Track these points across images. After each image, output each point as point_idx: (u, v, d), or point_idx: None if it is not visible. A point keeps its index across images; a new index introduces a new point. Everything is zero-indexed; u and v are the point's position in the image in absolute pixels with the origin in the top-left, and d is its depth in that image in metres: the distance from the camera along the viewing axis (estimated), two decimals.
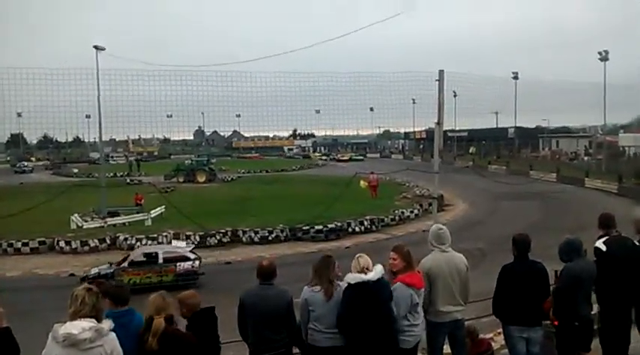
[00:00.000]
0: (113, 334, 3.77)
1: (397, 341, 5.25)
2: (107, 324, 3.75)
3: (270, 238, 24.28)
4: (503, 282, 5.71)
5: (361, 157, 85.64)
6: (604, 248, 6.15)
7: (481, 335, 6.90)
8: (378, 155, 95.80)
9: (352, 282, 5.01)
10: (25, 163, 76.73)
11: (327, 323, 5.17)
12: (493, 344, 7.14)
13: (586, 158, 57.91)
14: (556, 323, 6.02)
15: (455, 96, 64.98)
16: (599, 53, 52.30)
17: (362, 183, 33.92)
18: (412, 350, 5.43)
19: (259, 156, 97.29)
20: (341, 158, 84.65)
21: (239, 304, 5.28)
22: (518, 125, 75.27)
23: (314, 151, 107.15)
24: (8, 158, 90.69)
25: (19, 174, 65.92)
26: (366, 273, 5.05)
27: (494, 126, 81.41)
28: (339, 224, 25.14)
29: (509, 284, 5.64)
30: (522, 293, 5.58)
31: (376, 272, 5.09)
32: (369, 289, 5.01)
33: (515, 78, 68.64)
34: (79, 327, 3.60)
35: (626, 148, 52.50)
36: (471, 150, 77.62)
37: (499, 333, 6.93)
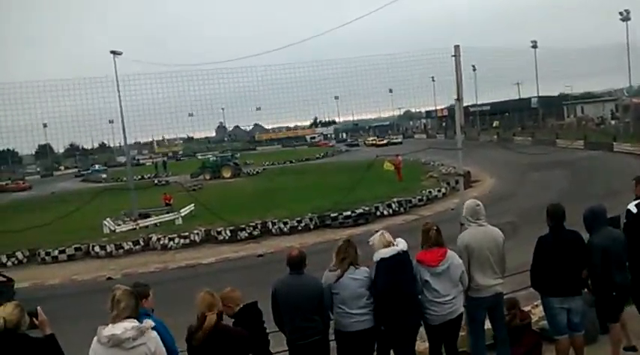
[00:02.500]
0: (155, 332, 3.83)
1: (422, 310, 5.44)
2: (148, 323, 3.82)
3: (299, 228, 24.34)
4: (540, 254, 5.63)
5: (400, 140, 77.71)
6: (635, 210, 6.07)
7: None
8: (400, 136, 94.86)
9: (387, 256, 5.20)
10: (96, 166, 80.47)
11: (353, 305, 5.27)
12: (532, 316, 7.08)
13: (613, 122, 56.81)
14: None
15: (474, 70, 64.23)
16: (620, 13, 51.13)
17: (386, 165, 33.79)
18: (438, 328, 5.48)
19: (326, 143, 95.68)
20: (379, 143, 77.34)
21: (271, 294, 5.34)
22: (540, 94, 74.02)
23: (335, 138, 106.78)
24: (38, 169, 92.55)
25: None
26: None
27: (517, 97, 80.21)
28: (366, 208, 25.08)
29: (547, 256, 5.56)
30: (560, 263, 5.49)
31: (403, 243, 5.35)
32: (401, 259, 5.25)
33: (535, 47, 67.45)
34: (122, 327, 3.68)
35: None
36: (494, 124, 76.68)
37: (536, 305, 6.88)
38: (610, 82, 79.30)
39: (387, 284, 5.21)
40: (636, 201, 6.26)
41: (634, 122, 48.29)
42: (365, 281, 5.29)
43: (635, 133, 44.13)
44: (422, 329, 5.74)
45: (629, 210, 6.25)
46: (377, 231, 5.65)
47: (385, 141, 77.34)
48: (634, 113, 50.51)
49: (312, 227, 24.46)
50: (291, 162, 65.03)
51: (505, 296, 6.30)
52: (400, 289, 5.23)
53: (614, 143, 41.41)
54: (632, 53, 50.62)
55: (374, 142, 78.74)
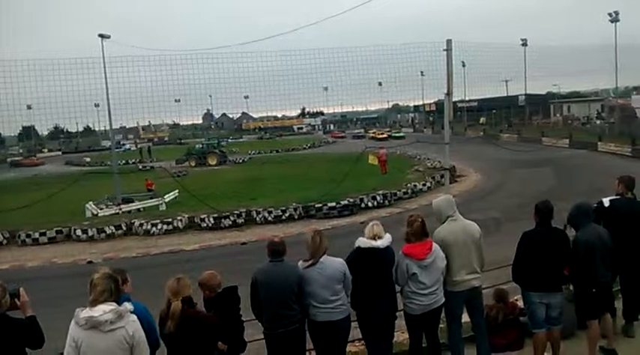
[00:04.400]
0: (134, 316, 3.78)
1: (396, 302, 5.56)
2: (128, 307, 3.77)
3: (283, 217, 24.25)
4: (524, 249, 5.66)
5: (403, 135, 73.79)
6: (607, 204, 6.17)
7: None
8: (388, 130, 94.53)
9: (363, 246, 5.34)
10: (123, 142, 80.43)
11: (318, 299, 5.28)
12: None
13: (598, 122, 57.35)
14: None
15: (464, 66, 64.42)
16: (609, 14, 51.37)
17: (371, 158, 33.83)
18: (419, 317, 5.55)
19: (338, 133, 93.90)
20: (379, 136, 73.37)
21: (251, 282, 5.30)
22: (528, 92, 74.53)
23: (324, 129, 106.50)
24: (21, 150, 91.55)
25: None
26: (376, 240, 5.36)
27: (505, 94, 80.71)
28: (351, 200, 25.07)
29: (531, 251, 5.59)
30: (543, 259, 5.53)
31: (385, 239, 5.41)
32: (376, 254, 5.36)
33: (524, 44, 67.83)
34: (100, 310, 3.63)
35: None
36: (481, 120, 77.02)
37: (517, 299, 6.95)
38: (597, 83, 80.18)
39: (356, 274, 5.34)
40: (613, 197, 6.37)
41: (619, 122, 48.77)
42: (331, 276, 5.26)
43: (620, 134, 44.59)
44: (401, 322, 5.78)
45: (601, 202, 6.40)
46: (371, 221, 5.73)
47: (386, 135, 74.54)
48: (619, 114, 51.01)
49: (296, 217, 24.38)
50: (277, 151, 64.89)
51: (495, 287, 6.33)
52: (367, 282, 5.36)
53: (599, 143, 41.80)
54: (620, 54, 50.97)
55: (374, 135, 76.56)
